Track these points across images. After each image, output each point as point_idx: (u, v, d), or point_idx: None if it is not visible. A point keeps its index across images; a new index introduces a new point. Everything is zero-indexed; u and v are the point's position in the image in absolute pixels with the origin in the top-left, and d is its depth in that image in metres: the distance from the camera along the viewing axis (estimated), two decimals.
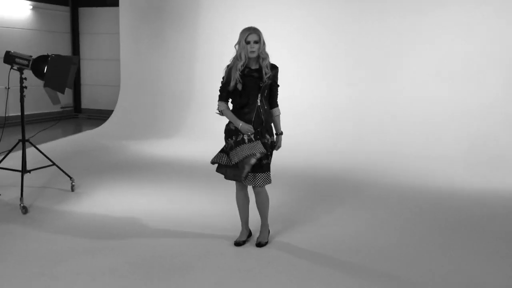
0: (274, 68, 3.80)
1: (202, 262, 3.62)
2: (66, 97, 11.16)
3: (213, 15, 8.92)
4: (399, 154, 7.08)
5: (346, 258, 3.74)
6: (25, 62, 4.79)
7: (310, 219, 4.58)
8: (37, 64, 4.77)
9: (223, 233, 4.12)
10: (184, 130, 8.77)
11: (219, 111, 3.82)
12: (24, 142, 4.98)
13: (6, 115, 9.74)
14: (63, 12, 10.92)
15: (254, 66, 3.71)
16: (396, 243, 4.07)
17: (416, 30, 7.52)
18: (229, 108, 3.80)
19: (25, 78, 4.91)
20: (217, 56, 8.68)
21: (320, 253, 3.82)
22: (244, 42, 3.65)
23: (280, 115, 3.92)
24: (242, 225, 3.95)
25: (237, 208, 3.95)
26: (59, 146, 7.85)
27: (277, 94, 3.89)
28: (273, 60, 8.20)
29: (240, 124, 3.69)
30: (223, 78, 3.76)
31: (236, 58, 3.70)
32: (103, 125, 9.46)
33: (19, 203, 4.62)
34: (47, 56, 4.76)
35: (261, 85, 3.70)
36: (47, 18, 10.54)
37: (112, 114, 9.72)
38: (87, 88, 11.36)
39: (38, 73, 4.79)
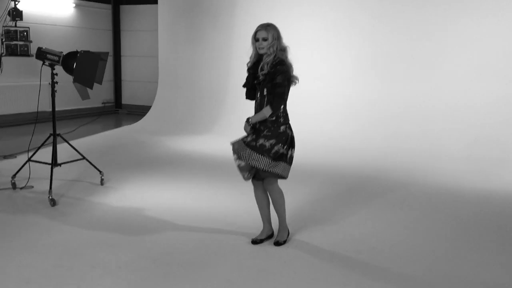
0: (280, 65, 3.55)
1: (216, 258, 3.59)
2: (107, 93, 11.44)
3: (249, 12, 8.88)
4: (431, 155, 6.83)
5: (366, 260, 3.62)
6: (56, 58, 4.90)
7: (333, 219, 4.47)
8: (67, 60, 4.87)
9: (243, 231, 4.08)
10: (219, 127, 8.78)
11: None
12: (55, 136, 5.11)
13: (50, 110, 10.10)
14: (105, 9, 11.17)
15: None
16: (420, 245, 3.91)
17: (449, 29, 7.24)
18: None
19: (56, 74, 5.02)
20: (249, 54, 8.63)
21: (339, 253, 3.72)
22: (253, 39, 3.61)
23: (265, 115, 3.57)
24: (263, 224, 3.89)
25: None
26: (96, 140, 8.04)
27: (277, 94, 3.55)
28: (305, 58, 8.08)
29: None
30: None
31: (250, 56, 3.68)
32: (140, 120, 9.62)
33: (48, 195, 4.73)
34: (77, 52, 4.85)
35: (255, 82, 3.65)
36: (89, 15, 10.81)
37: (150, 110, 9.88)
38: (128, 84, 11.59)
39: (68, 69, 4.90)
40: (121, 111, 11.52)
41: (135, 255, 3.63)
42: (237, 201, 4.90)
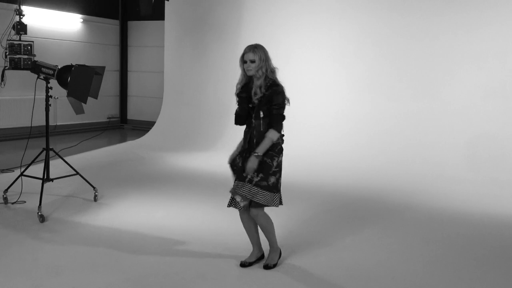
0: (272, 87, 3.46)
1: (202, 282, 3.44)
2: (112, 108, 11.43)
3: (254, 28, 8.83)
4: (441, 176, 6.64)
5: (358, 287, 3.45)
6: (51, 72, 4.86)
7: (328, 242, 4.30)
8: (62, 74, 4.82)
9: (234, 253, 3.92)
10: (222, 144, 8.65)
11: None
12: (48, 151, 5.02)
13: (55, 124, 10.10)
14: (112, 25, 11.21)
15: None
16: (419, 273, 3.72)
17: (464, 48, 7.09)
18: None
19: (51, 88, 4.97)
20: None
21: (330, 280, 3.54)
22: (240, 62, 3.50)
23: (273, 139, 3.46)
24: (252, 246, 3.75)
25: None
26: (97, 155, 7.97)
27: (277, 115, 3.48)
28: (314, 70, 7.99)
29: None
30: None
31: (239, 78, 3.59)
32: (144, 136, 9.56)
33: (37, 211, 4.63)
34: (71, 66, 4.79)
35: (250, 105, 3.52)
36: (97, 31, 10.85)
37: (154, 126, 9.82)
38: (133, 99, 11.57)
39: (62, 83, 4.84)
40: (126, 126, 11.49)
41: (117, 276, 3.49)
42: (230, 222, 4.71)
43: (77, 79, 4.73)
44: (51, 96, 4.97)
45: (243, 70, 3.50)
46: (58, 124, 10.10)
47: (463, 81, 7.11)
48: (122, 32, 11.32)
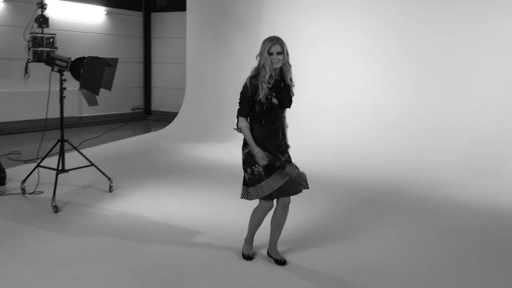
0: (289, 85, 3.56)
1: (205, 274, 3.43)
2: (137, 99, 11.54)
3: (276, 19, 8.73)
4: (464, 168, 6.43)
5: (363, 284, 3.36)
6: (64, 64, 4.90)
7: (337, 234, 4.21)
8: (75, 66, 4.85)
9: (238, 245, 3.88)
10: (241, 135, 8.63)
11: (237, 128, 3.52)
12: (62, 142, 5.08)
13: (80, 115, 10.27)
14: (136, 17, 11.28)
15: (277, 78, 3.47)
16: (426, 271, 3.60)
17: (489, 36, 6.82)
18: (249, 127, 3.48)
19: (65, 80, 5.02)
20: None
21: (336, 274, 3.47)
22: (266, 54, 3.39)
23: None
24: (250, 239, 3.72)
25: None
26: (118, 146, 8.06)
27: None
28: (334, 61, 7.89)
29: (256, 150, 3.40)
30: (245, 90, 3.45)
31: (260, 70, 3.42)
32: (166, 127, 9.61)
33: (51, 202, 4.70)
34: (84, 58, 4.82)
35: (291, 98, 3.54)
36: (120, 23, 10.94)
37: (176, 117, 9.86)
38: (157, 90, 11.64)
39: (75, 75, 4.88)
40: (150, 117, 11.59)
41: (123, 267, 3.51)
42: (242, 215, 4.70)
43: (89, 71, 4.76)
44: (65, 88, 5.01)
45: (270, 63, 3.36)
46: (83, 115, 10.27)
47: (488, 69, 6.85)
48: (146, 24, 11.38)
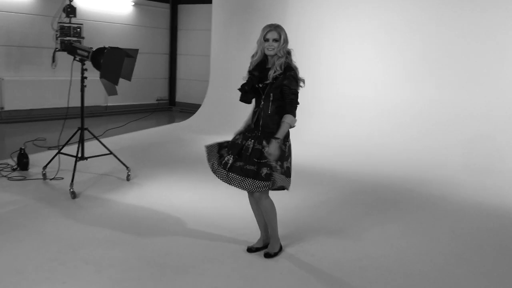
0: (289, 71, 3.40)
1: (210, 265, 3.48)
2: (161, 90, 11.69)
3: (300, 13, 8.70)
4: (480, 168, 6.29)
5: (367, 278, 3.35)
6: (85, 54, 5.01)
7: (341, 231, 4.21)
8: (96, 56, 4.96)
9: (246, 239, 3.92)
10: None
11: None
12: (82, 131, 5.21)
13: (106, 104, 10.46)
14: (163, 8, 11.40)
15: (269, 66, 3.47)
16: (427, 271, 3.57)
17: (507, 37, 6.65)
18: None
19: (86, 69, 5.13)
20: (302, 54, 8.46)
21: (336, 270, 3.48)
22: (262, 39, 3.43)
23: (291, 124, 3.37)
24: (260, 232, 3.74)
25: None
26: (140, 136, 8.19)
27: (292, 100, 3.39)
28: (357, 58, 7.81)
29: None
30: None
31: (253, 56, 3.51)
32: (189, 119, 9.70)
33: (69, 188, 4.83)
34: (104, 48, 4.92)
35: (259, 85, 3.43)
36: (147, 14, 11.07)
37: (199, 109, 9.94)
38: (182, 82, 11.76)
39: (96, 65, 4.98)
40: (175, 108, 11.71)
41: (132, 254, 3.60)
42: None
43: (109, 61, 4.86)
44: (86, 77, 5.13)
45: (262, 49, 3.42)
46: (109, 105, 10.46)
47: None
48: (172, 16, 11.48)
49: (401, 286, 3.31)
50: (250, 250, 3.67)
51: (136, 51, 5.19)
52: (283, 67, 3.40)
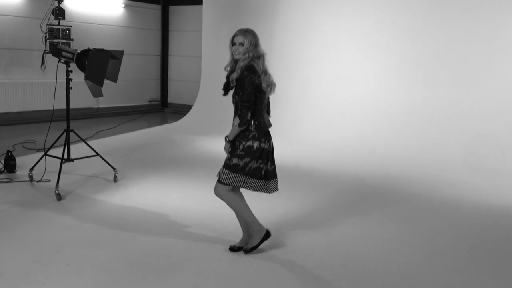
0: (245, 71, 3.41)
1: (193, 264, 3.49)
2: (153, 92, 11.69)
3: (291, 13, 8.73)
4: (473, 168, 6.32)
5: (344, 281, 3.37)
6: (70, 56, 5.01)
7: (329, 228, 4.23)
8: (81, 58, 4.96)
9: (229, 238, 3.93)
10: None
11: None
12: (68, 132, 5.21)
13: (97, 106, 10.46)
14: (154, 10, 11.41)
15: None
16: (410, 267, 3.59)
17: (502, 36, 6.68)
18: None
19: (71, 71, 5.14)
20: (294, 55, 8.51)
21: (321, 268, 3.49)
22: (230, 44, 3.51)
23: (237, 126, 3.44)
24: (242, 231, 3.76)
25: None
26: (131, 138, 8.19)
27: (242, 101, 3.41)
28: (346, 58, 7.80)
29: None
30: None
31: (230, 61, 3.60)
32: (180, 120, 9.72)
33: (54, 190, 4.83)
34: (89, 50, 4.92)
35: (229, 89, 3.59)
36: (138, 15, 11.08)
37: (191, 110, 9.96)
38: (174, 83, 11.77)
39: (81, 67, 4.98)
40: (167, 109, 11.72)
41: (115, 255, 3.60)
42: None
43: (94, 63, 4.86)
44: (71, 79, 5.13)
45: (231, 53, 3.49)
46: (100, 106, 10.46)
47: (501, 67, 6.71)
48: (164, 17, 11.49)
49: (384, 285, 3.33)
50: (233, 249, 3.68)
51: (121, 52, 5.19)
52: (239, 72, 3.44)
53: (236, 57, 3.46)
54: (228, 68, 3.59)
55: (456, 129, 6.90)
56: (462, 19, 7.01)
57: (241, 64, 3.44)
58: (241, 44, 3.43)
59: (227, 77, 3.59)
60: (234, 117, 3.49)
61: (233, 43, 3.47)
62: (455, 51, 7.05)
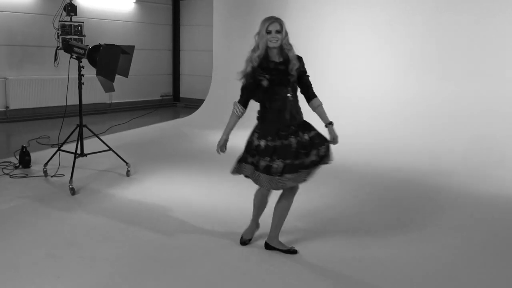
0: (300, 59, 3.47)
1: (205, 258, 3.51)
2: (165, 86, 11.73)
3: (301, 6, 8.68)
4: (491, 161, 6.21)
5: (362, 278, 3.36)
6: (82, 51, 5.05)
7: (342, 227, 4.21)
8: (92, 53, 4.99)
9: (241, 231, 3.93)
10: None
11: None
12: (81, 127, 5.25)
13: (110, 101, 10.52)
14: (165, 5, 11.42)
15: (277, 59, 3.40)
16: (431, 275, 3.56)
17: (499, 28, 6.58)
18: (238, 114, 3.62)
19: (83, 67, 5.17)
20: (303, 50, 8.44)
21: (332, 268, 3.48)
22: (264, 32, 3.35)
23: (323, 104, 3.52)
24: (251, 222, 3.75)
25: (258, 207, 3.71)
26: (143, 132, 8.24)
27: (311, 84, 3.55)
28: (359, 49, 7.72)
29: (224, 137, 3.60)
30: (244, 76, 3.46)
31: (254, 50, 3.40)
32: (192, 114, 9.73)
33: (69, 184, 4.89)
34: (100, 45, 4.95)
35: (289, 78, 3.39)
36: (149, 11, 11.11)
37: (203, 104, 9.97)
38: (186, 78, 11.80)
39: (92, 62, 5.01)
40: (179, 104, 11.76)
41: (127, 249, 3.63)
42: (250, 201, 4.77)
43: (105, 58, 4.89)
44: (83, 75, 5.17)
45: (265, 42, 3.34)
46: (113, 102, 10.52)
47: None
48: (175, 12, 11.50)
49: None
50: (244, 243, 3.69)
51: (132, 47, 5.21)
52: (297, 60, 3.44)
53: (274, 45, 3.34)
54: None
55: (479, 122, 6.75)
56: (478, 12, 6.89)
57: (292, 53, 3.39)
58: (278, 32, 3.34)
59: (281, 66, 3.40)
60: (311, 100, 3.53)
61: (268, 31, 3.35)
62: (472, 45, 6.94)
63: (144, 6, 10.96)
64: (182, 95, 11.84)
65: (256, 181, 3.44)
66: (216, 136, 7.75)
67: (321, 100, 3.58)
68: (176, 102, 11.81)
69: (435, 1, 7.26)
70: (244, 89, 3.51)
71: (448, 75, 7.20)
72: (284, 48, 3.40)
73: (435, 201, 4.93)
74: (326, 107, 3.58)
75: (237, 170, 3.54)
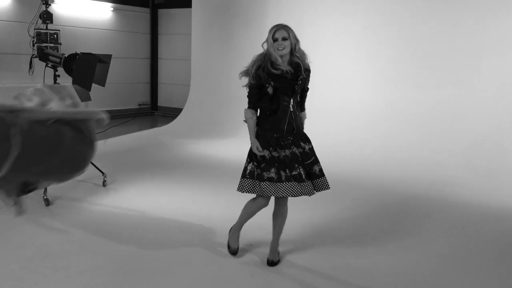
0: (308, 71, 3.42)
1: (179, 269, 3.48)
2: (143, 95, 11.65)
3: (280, 15, 8.72)
4: (470, 168, 6.31)
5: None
6: (58, 60, 4.99)
7: (342, 240, 4.21)
8: (68, 62, 4.93)
9: (220, 240, 3.92)
10: (244, 131, 8.66)
11: (245, 120, 3.41)
12: None
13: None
14: (143, 13, 11.38)
15: (285, 67, 3.30)
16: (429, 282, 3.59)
17: (493, 34, 6.71)
18: (254, 118, 3.39)
19: (59, 76, 5.10)
20: None
21: (325, 281, 3.49)
22: (271, 40, 3.29)
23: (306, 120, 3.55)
24: (238, 229, 3.69)
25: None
26: (121, 141, 8.14)
27: (306, 98, 3.58)
28: (338, 58, 7.76)
29: (252, 141, 3.34)
30: (251, 81, 3.35)
31: (264, 57, 3.31)
32: (170, 123, 9.68)
33: (42, 195, 4.80)
34: (76, 54, 4.90)
35: (295, 87, 3.34)
36: (127, 19, 11.04)
37: (181, 113, 9.93)
38: (164, 86, 11.74)
39: (68, 71, 4.96)
40: (157, 113, 11.69)
41: (104, 260, 3.58)
42: (231, 211, 4.74)
43: (81, 67, 4.84)
44: (58, 84, 5.09)
45: (274, 49, 3.26)
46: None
47: (492, 67, 6.75)
48: (153, 20, 11.46)
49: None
50: (235, 252, 3.67)
51: (109, 56, 5.17)
52: (305, 67, 3.40)
53: (281, 52, 3.27)
54: (281, 69, 3.28)
55: (456, 131, 6.86)
56: (465, 18, 7.00)
57: (304, 59, 3.35)
58: (285, 39, 3.28)
59: (285, 76, 3.31)
60: (294, 113, 3.38)
61: (274, 39, 3.29)
62: (449, 53, 7.06)
63: (122, 14, 10.89)
64: (160, 104, 11.77)
65: (260, 192, 3.36)
66: (194, 145, 7.86)
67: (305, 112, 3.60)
68: (154, 111, 11.74)
69: (412, 11, 7.39)
70: (249, 95, 3.42)
71: (424, 84, 7.31)
72: (295, 56, 3.35)
73: (420, 207, 4.98)
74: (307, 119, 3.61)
75: (250, 189, 3.43)
